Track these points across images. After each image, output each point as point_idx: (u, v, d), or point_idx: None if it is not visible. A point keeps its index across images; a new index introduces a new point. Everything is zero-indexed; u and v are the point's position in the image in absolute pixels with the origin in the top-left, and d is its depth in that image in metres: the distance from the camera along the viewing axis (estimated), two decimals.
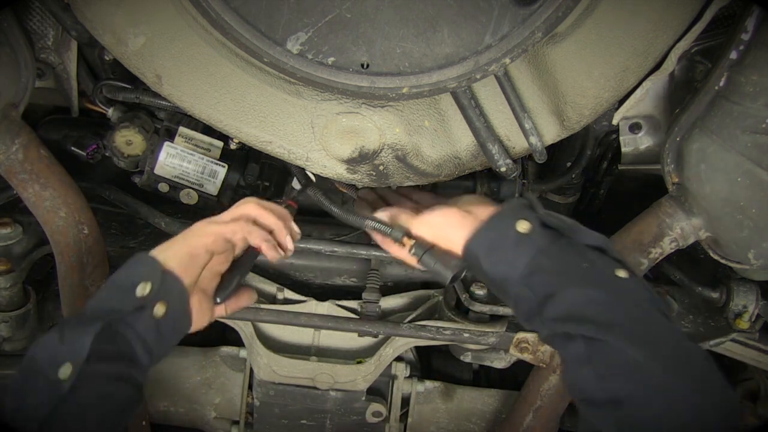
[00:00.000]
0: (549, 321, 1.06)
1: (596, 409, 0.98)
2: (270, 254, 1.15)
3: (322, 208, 1.36)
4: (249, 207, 1.17)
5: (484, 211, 1.18)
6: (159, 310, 1.04)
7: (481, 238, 1.14)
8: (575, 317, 1.03)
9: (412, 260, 1.21)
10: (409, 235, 1.19)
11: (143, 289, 1.03)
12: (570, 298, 1.04)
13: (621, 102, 1.23)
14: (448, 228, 1.19)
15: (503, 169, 1.19)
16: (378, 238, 1.29)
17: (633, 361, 0.97)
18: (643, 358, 0.97)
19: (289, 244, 1.19)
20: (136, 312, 1.02)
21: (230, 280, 1.14)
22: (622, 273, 1.06)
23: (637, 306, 1.03)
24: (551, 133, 1.21)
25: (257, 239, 1.14)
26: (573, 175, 1.48)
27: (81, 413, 0.95)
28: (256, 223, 1.16)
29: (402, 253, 1.23)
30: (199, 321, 1.13)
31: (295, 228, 1.23)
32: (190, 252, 1.09)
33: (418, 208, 1.28)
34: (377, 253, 1.43)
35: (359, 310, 1.48)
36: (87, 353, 0.95)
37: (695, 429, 0.92)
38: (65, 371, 0.94)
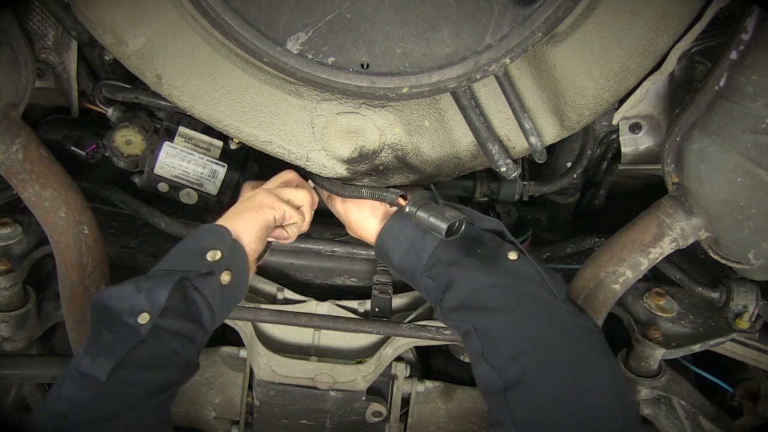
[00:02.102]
0: (447, 311, 1.12)
1: (494, 398, 1.02)
2: (277, 237, 1.23)
3: (321, 209, 1.36)
4: (303, 197, 1.23)
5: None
6: (225, 277, 1.09)
7: (389, 231, 1.21)
8: (468, 305, 1.09)
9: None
10: (404, 196, 1.19)
11: (213, 256, 1.08)
12: (463, 287, 1.10)
13: (621, 102, 1.23)
14: (362, 215, 1.26)
15: (503, 169, 1.19)
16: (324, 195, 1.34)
17: (520, 344, 1.01)
18: (529, 341, 1.01)
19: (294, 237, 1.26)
20: (206, 276, 1.07)
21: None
22: (513, 255, 1.11)
23: (525, 289, 1.08)
24: (551, 133, 1.21)
25: (294, 232, 1.23)
26: (574, 176, 1.48)
27: (151, 362, 1.00)
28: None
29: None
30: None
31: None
32: (265, 225, 1.15)
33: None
34: None
35: (372, 292, 1.49)
36: (163, 305, 1.00)
37: (584, 407, 0.95)
38: (144, 318, 1.00)
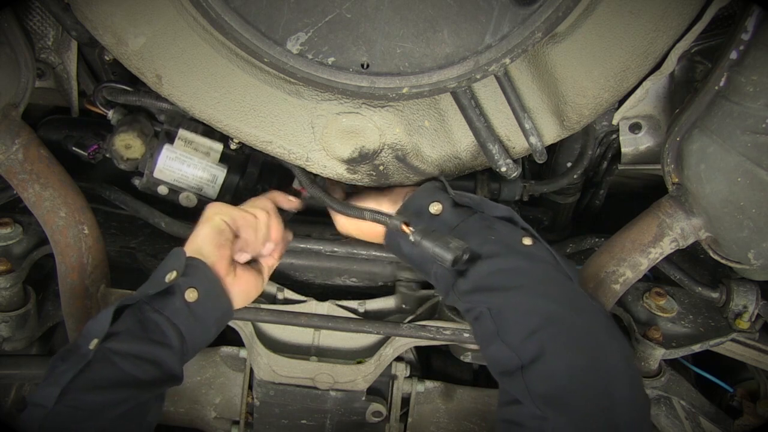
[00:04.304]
0: (462, 294, 1.13)
1: (509, 377, 1.03)
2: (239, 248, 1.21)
3: (321, 209, 1.36)
4: (261, 215, 1.22)
5: (399, 194, 1.27)
6: (190, 295, 1.10)
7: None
8: (483, 287, 1.10)
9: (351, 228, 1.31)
10: (407, 223, 1.19)
11: (170, 277, 1.10)
12: (478, 271, 1.11)
13: (621, 102, 1.23)
14: (370, 205, 1.26)
15: (503, 169, 1.19)
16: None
17: (537, 321, 1.02)
18: (545, 317, 1.03)
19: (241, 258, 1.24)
20: (164, 296, 1.09)
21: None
22: (527, 241, 1.13)
23: (540, 270, 1.10)
24: (551, 133, 1.21)
25: (247, 236, 1.19)
26: (575, 176, 1.48)
27: (98, 384, 1.01)
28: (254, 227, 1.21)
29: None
30: (251, 289, 1.21)
31: (279, 251, 1.29)
32: (216, 231, 1.15)
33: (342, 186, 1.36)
34: (377, 253, 1.43)
35: (396, 288, 1.51)
36: (107, 328, 1.03)
37: (600, 382, 0.97)
38: (93, 343, 1.03)
